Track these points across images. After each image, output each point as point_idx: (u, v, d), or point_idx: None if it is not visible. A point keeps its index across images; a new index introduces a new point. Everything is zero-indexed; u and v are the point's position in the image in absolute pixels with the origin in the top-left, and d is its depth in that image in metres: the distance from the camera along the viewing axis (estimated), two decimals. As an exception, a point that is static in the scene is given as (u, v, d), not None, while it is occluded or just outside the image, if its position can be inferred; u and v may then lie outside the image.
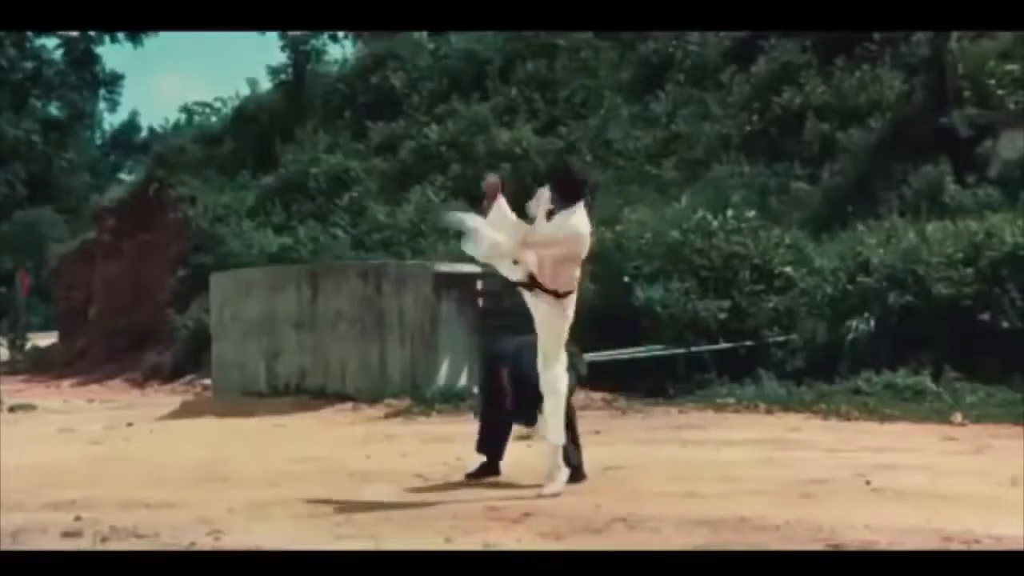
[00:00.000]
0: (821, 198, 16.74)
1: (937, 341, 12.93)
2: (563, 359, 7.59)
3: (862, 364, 13.05)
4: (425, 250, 18.37)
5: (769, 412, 12.31)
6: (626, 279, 14.00)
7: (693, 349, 13.72)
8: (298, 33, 27.05)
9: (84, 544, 6.54)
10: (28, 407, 17.32)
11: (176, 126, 31.09)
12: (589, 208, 7.74)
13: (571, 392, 8.02)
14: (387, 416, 13.53)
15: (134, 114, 62.19)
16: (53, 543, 6.61)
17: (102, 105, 57.89)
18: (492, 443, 8.28)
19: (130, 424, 14.31)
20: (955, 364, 12.64)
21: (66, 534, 6.83)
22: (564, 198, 7.46)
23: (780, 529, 6.38)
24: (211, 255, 22.36)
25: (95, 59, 51.49)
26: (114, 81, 55.85)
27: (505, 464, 8.37)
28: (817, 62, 18.80)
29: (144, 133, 58.05)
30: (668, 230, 14.66)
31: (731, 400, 12.89)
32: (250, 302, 16.51)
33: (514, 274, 7.60)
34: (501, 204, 7.51)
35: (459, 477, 8.36)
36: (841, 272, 14.14)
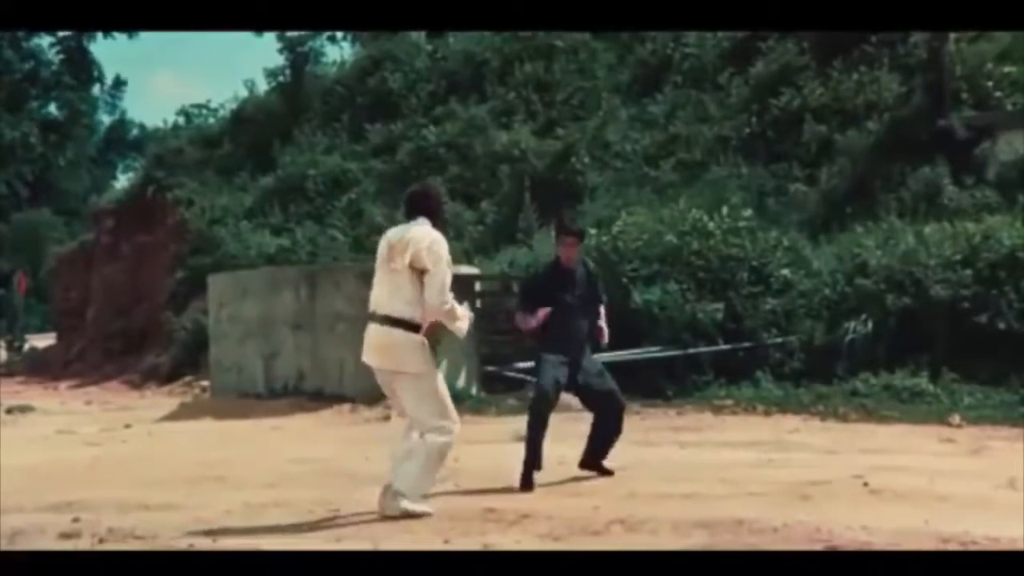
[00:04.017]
0: (819, 200, 16.73)
1: (935, 343, 12.94)
2: None
3: (860, 366, 13.06)
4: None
5: (767, 414, 12.32)
6: (624, 281, 13.99)
7: (691, 351, 13.72)
8: (296, 34, 27.07)
9: (82, 546, 6.53)
10: (26, 409, 17.33)
11: (174, 128, 31.05)
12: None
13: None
14: (385, 418, 13.49)
15: (123, 111, 62.18)
16: (51, 545, 6.61)
17: (102, 107, 58.10)
18: None
19: (128, 426, 14.31)
20: (953, 366, 12.64)
21: (64, 535, 6.82)
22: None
23: (778, 531, 6.38)
24: (209, 256, 22.38)
25: (92, 60, 51.49)
26: (117, 86, 56.12)
27: (503, 466, 8.38)
28: (815, 64, 18.79)
29: (136, 131, 58.06)
30: (665, 232, 14.66)
31: (729, 402, 12.90)
32: (248, 303, 16.51)
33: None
34: None
35: (457, 479, 8.36)
36: (839, 274, 14.15)
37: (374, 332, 7.24)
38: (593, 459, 8.53)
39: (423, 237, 7.15)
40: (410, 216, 7.36)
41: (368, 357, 7.33)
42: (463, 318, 7.28)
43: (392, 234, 7.35)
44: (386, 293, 7.20)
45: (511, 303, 8.97)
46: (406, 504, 7.09)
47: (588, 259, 9.35)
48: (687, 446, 10.22)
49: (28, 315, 40.06)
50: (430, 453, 7.18)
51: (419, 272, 7.09)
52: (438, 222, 7.41)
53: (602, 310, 8.70)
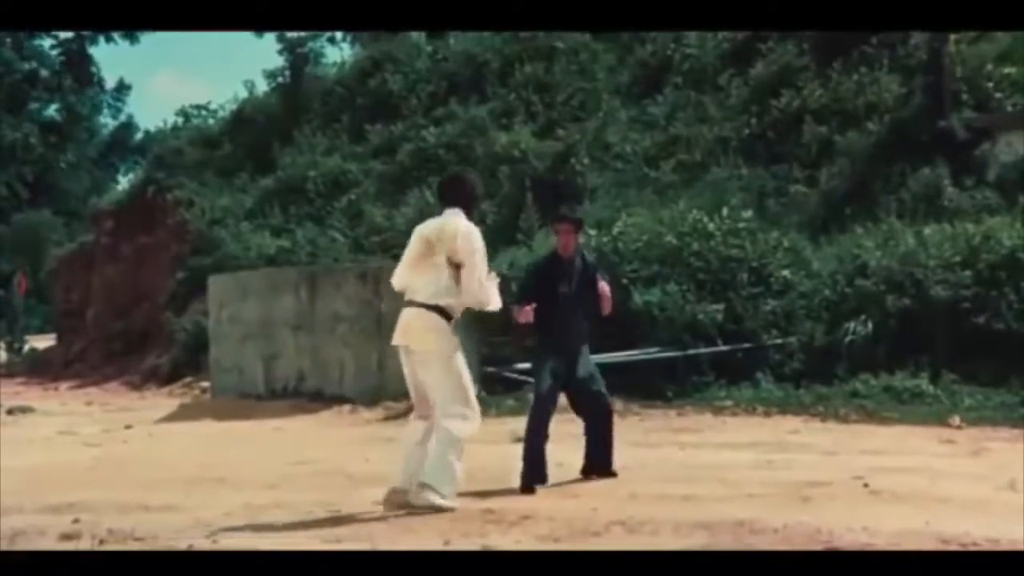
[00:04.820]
0: (819, 201, 16.72)
1: (935, 344, 12.93)
2: None
3: (860, 367, 13.05)
4: (423, 253, 18.33)
5: (767, 415, 12.32)
6: (624, 282, 13.98)
7: (691, 352, 13.71)
8: (295, 35, 27.06)
9: (82, 547, 6.53)
10: (26, 410, 17.35)
11: (174, 128, 31.05)
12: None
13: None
14: (386, 419, 13.53)
15: (130, 115, 62.34)
16: (51, 546, 6.61)
17: (106, 111, 58.11)
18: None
19: (128, 427, 14.33)
20: (953, 367, 12.64)
21: (64, 536, 6.82)
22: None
23: (778, 532, 6.38)
24: (209, 257, 22.37)
25: (92, 62, 51.48)
26: (120, 90, 56.19)
27: (503, 467, 8.38)
28: (815, 65, 18.78)
29: (140, 135, 58.06)
30: (665, 233, 14.65)
31: (729, 403, 12.90)
32: (248, 305, 16.51)
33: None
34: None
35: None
36: (839, 275, 14.14)
37: (409, 314, 7.53)
38: (593, 467, 8.50)
39: (455, 231, 7.48)
40: (444, 203, 7.74)
41: (400, 337, 7.56)
42: (495, 299, 7.65)
43: (426, 229, 7.65)
44: (424, 282, 7.50)
45: (512, 304, 8.95)
46: (434, 498, 7.22)
47: (586, 252, 9.26)
48: (687, 447, 10.21)
49: (28, 316, 40.05)
50: (450, 442, 7.33)
51: (455, 265, 7.42)
52: (472, 211, 7.73)
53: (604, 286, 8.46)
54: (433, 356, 7.41)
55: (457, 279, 7.43)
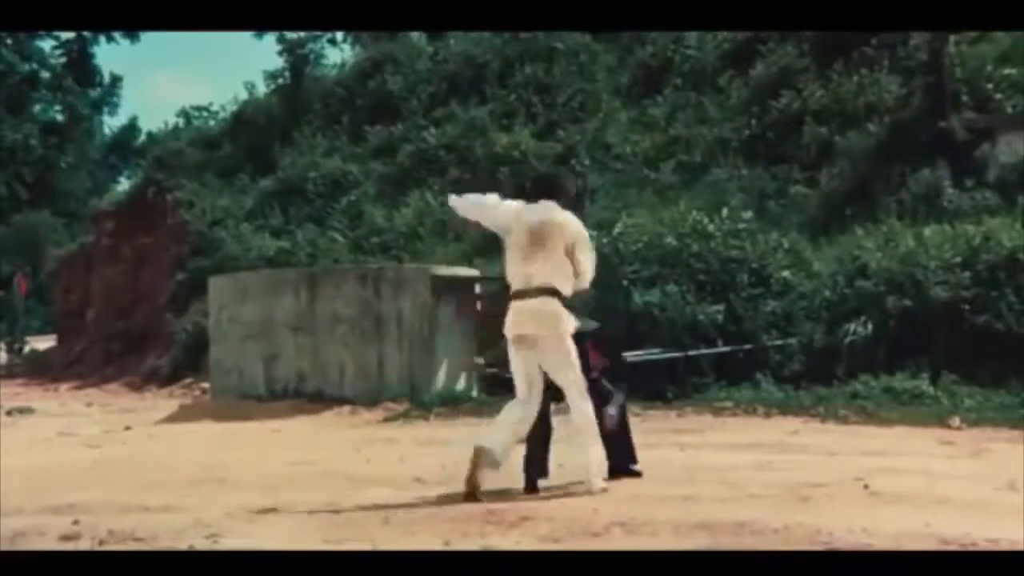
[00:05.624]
0: (819, 202, 16.74)
1: (935, 345, 12.94)
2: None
3: (860, 368, 13.06)
4: (423, 254, 18.40)
5: (767, 416, 12.31)
6: (624, 283, 13.99)
7: (691, 353, 13.71)
8: (295, 36, 27.08)
9: (82, 547, 6.52)
10: (26, 411, 17.34)
11: (174, 129, 31.07)
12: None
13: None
14: (385, 419, 13.53)
15: (133, 118, 62.23)
16: (51, 546, 6.60)
17: (106, 109, 57.99)
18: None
19: (128, 428, 14.32)
20: (953, 368, 12.64)
21: (64, 537, 6.81)
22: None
23: (778, 533, 6.37)
24: (209, 258, 22.39)
25: (91, 62, 51.41)
26: (114, 83, 56.03)
27: (503, 468, 8.36)
28: (815, 66, 18.80)
29: (143, 137, 57.97)
30: (666, 234, 14.66)
31: (729, 404, 12.90)
32: (248, 305, 16.50)
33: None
34: None
35: (458, 481, 8.33)
36: (839, 276, 14.15)
37: (536, 303, 7.68)
38: (618, 464, 8.46)
39: (565, 220, 7.77)
40: (534, 199, 7.91)
41: (525, 327, 7.70)
42: None
43: (529, 218, 7.78)
44: (545, 270, 7.65)
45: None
46: (598, 482, 7.68)
47: None
48: (687, 448, 10.20)
49: (28, 317, 40.03)
50: (592, 427, 7.78)
51: (568, 253, 7.70)
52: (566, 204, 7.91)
53: None
54: (560, 344, 7.66)
55: (571, 265, 7.69)
